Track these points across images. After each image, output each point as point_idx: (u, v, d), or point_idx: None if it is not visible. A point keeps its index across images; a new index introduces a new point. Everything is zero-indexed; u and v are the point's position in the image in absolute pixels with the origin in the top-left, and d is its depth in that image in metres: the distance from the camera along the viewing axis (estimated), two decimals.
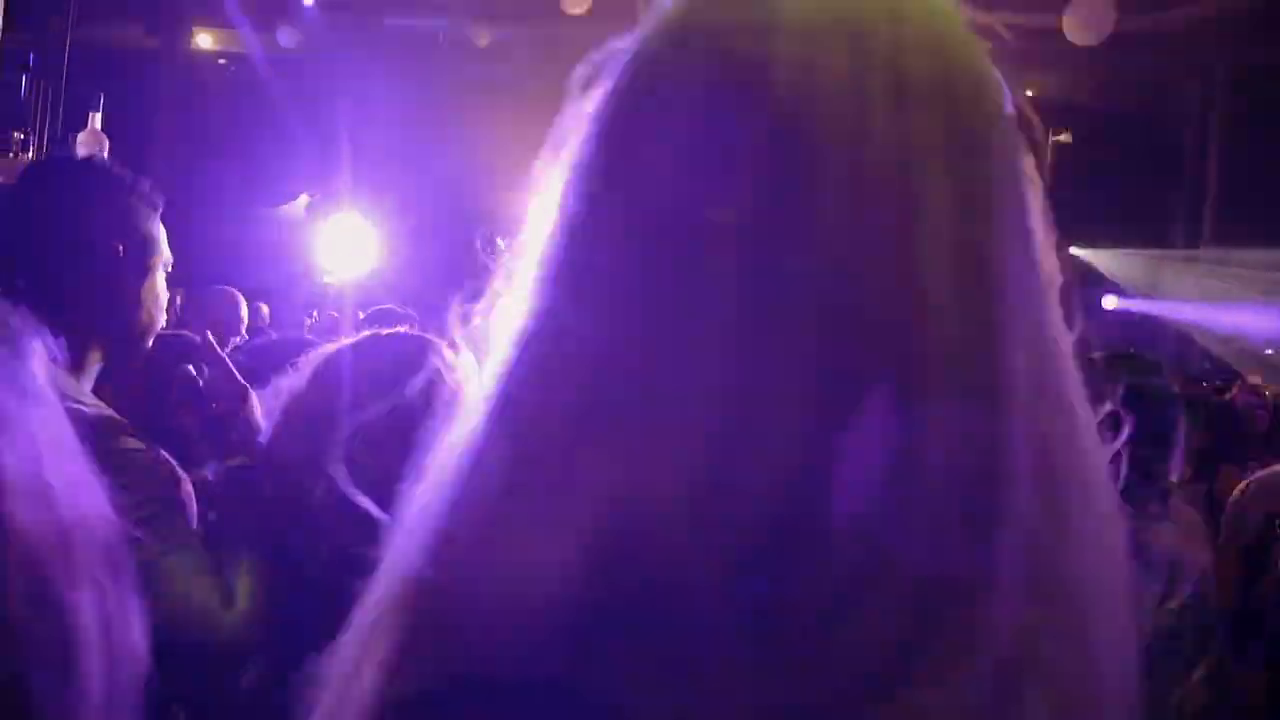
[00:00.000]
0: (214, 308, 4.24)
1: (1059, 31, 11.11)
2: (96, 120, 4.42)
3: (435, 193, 14.54)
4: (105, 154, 4.31)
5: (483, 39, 14.64)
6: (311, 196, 15.67)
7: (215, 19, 15.61)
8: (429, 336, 1.52)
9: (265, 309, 7.53)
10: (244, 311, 4.47)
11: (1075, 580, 0.40)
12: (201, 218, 14.84)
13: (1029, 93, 15.54)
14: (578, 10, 12.14)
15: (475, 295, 0.55)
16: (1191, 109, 14.38)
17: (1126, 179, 14.08)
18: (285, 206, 15.91)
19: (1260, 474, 3.13)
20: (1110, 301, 14.10)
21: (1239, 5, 10.03)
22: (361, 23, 14.28)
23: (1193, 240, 14.32)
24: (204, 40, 16.38)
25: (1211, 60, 13.45)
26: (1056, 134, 16.20)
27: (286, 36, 13.91)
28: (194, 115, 16.30)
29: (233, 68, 17.10)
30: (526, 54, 15.86)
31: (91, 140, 4.41)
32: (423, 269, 12.95)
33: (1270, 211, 11.78)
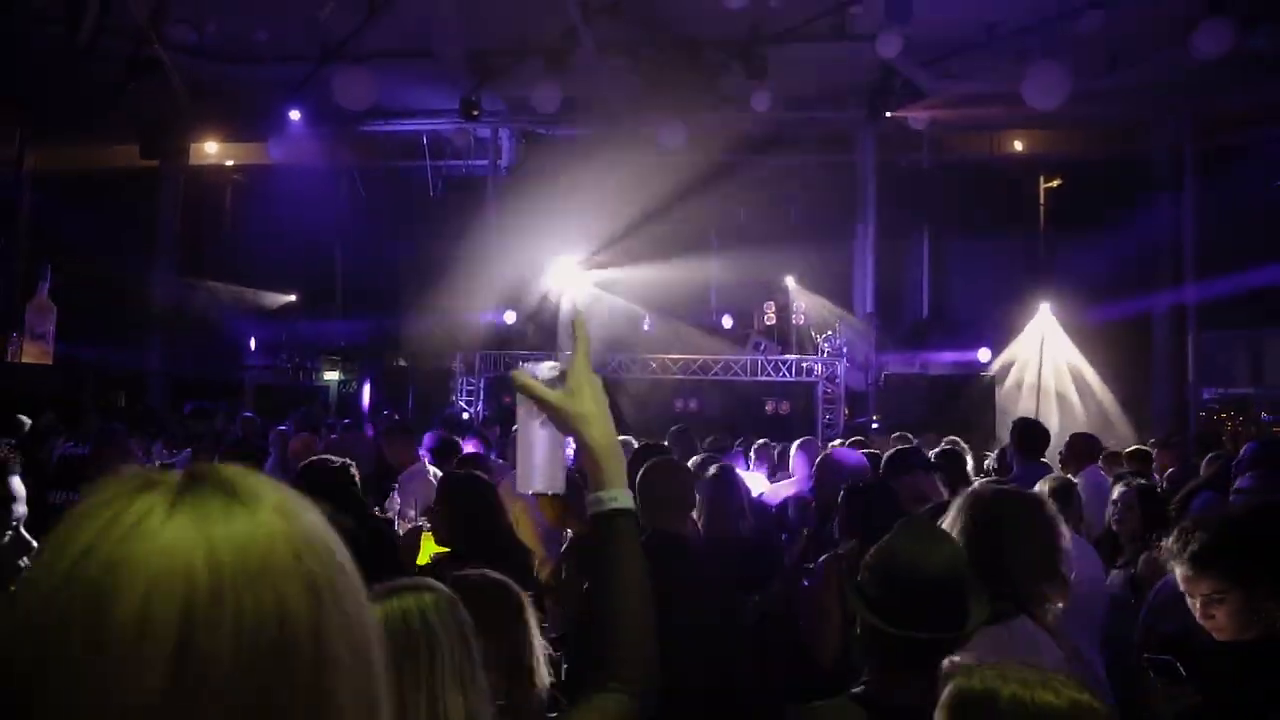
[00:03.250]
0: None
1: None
2: (44, 290, 4.58)
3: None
4: (53, 323, 4.48)
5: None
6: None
7: (212, 134, 16.19)
8: None
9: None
10: None
11: None
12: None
13: (1019, 145, 15.92)
14: (551, 109, 12.53)
15: None
16: (1163, 151, 14.57)
17: (1110, 222, 14.25)
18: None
19: None
20: None
21: (1192, 60, 10.23)
22: (341, 131, 14.73)
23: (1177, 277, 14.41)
24: (208, 150, 16.94)
25: (1179, 106, 13.65)
26: (1048, 181, 16.45)
27: (275, 148, 14.36)
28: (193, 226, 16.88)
29: (236, 176, 17.71)
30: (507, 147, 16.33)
31: (41, 309, 4.58)
32: None
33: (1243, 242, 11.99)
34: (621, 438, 5.58)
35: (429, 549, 4.14)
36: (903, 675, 1.91)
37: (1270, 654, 2.08)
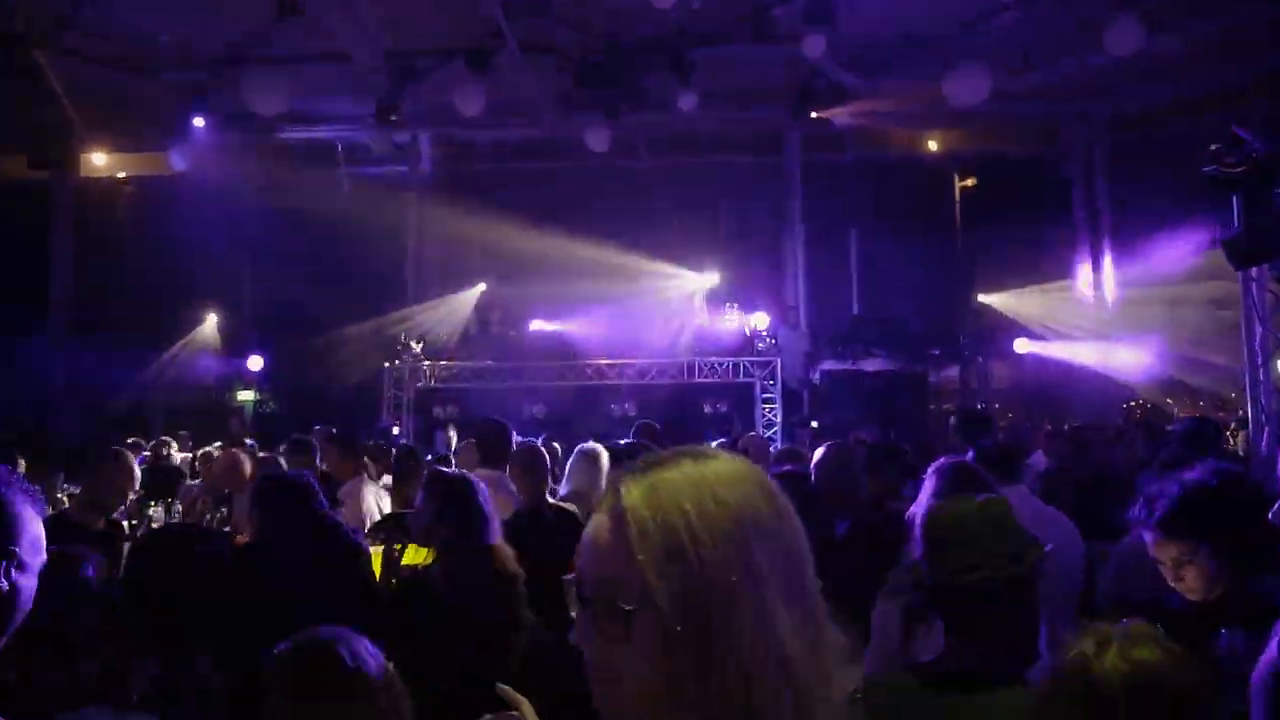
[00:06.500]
0: None
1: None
2: None
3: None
4: None
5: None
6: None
7: (104, 144, 15.33)
8: None
9: None
10: None
11: None
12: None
13: (933, 145, 16.26)
14: (473, 112, 12.16)
15: None
16: (1077, 149, 15.08)
17: (1025, 217, 14.66)
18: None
19: None
20: (1022, 345, 14.47)
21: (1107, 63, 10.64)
22: (249, 138, 14.08)
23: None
24: (96, 162, 16.00)
25: (1089, 108, 14.15)
26: (963, 180, 16.81)
27: (178, 157, 13.61)
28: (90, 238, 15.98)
29: (129, 187, 16.79)
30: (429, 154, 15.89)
31: None
32: None
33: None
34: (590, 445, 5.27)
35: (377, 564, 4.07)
36: None
37: (1234, 607, 2.27)
